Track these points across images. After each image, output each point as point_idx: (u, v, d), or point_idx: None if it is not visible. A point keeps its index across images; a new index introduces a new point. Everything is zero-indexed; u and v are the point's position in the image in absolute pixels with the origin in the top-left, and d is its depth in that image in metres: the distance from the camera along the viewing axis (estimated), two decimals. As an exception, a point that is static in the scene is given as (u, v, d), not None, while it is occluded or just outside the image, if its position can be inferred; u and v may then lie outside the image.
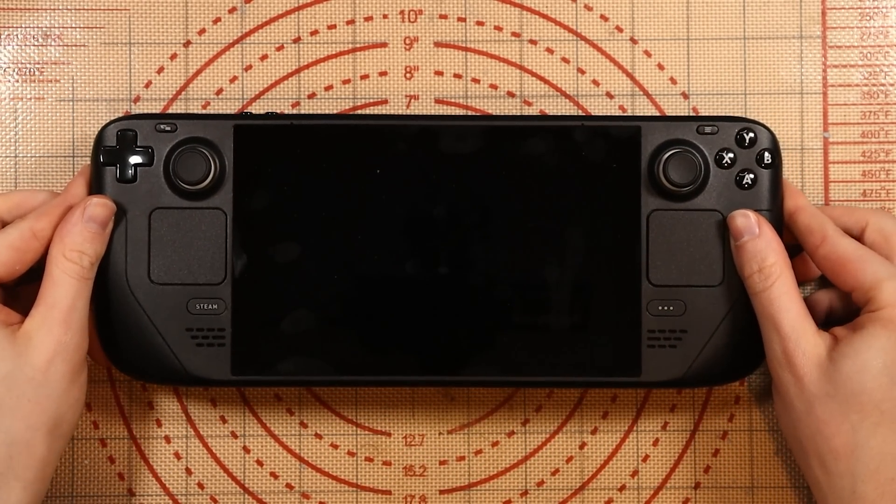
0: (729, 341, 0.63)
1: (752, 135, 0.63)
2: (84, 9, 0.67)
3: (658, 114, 0.67)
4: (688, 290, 0.63)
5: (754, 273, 0.60)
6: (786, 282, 0.60)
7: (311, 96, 0.67)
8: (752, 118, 0.64)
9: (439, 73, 0.68)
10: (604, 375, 0.63)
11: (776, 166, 0.63)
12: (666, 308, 0.63)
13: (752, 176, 0.63)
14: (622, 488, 0.68)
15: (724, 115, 0.66)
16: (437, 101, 0.67)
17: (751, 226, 0.61)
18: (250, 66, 0.67)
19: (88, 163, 0.63)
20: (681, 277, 0.63)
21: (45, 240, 0.60)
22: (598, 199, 0.63)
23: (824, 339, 0.60)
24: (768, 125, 0.63)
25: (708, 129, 0.62)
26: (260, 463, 0.67)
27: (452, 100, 0.67)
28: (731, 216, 0.62)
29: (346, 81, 0.67)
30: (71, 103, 0.67)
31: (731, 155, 0.62)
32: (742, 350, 0.63)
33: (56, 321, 0.59)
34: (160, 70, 0.67)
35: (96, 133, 0.63)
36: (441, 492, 0.68)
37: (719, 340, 0.63)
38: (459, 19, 0.68)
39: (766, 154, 0.63)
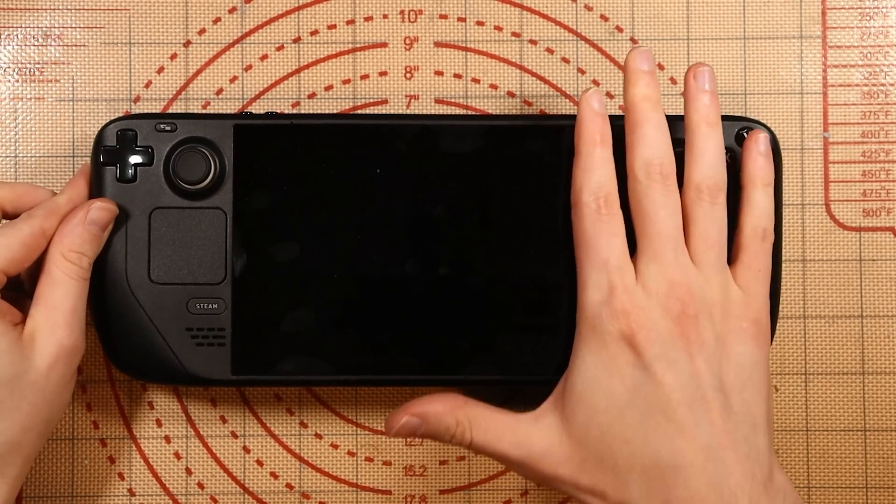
0: (729, 340, 0.63)
1: (752, 134, 0.63)
2: (84, 9, 0.67)
3: (658, 114, 0.67)
4: (688, 289, 0.63)
5: (452, 439, 0.59)
6: (476, 416, 0.59)
7: (311, 96, 0.67)
8: (752, 117, 0.64)
9: (439, 73, 0.68)
10: (604, 375, 0.63)
11: (776, 165, 0.63)
12: (666, 307, 0.63)
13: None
14: (622, 488, 0.67)
15: (723, 114, 0.66)
16: (437, 101, 0.67)
17: (412, 425, 0.59)
18: (250, 66, 0.67)
19: (89, 161, 0.63)
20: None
21: (51, 238, 0.60)
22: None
23: (539, 422, 0.58)
24: (768, 125, 0.63)
25: (708, 129, 0.63)
26: (260, 463, 0.67)
27: (452, 100, 0.67)
28: (393, 435, 0.59)
29: (346, 81, 0.67)
30: (71, 103, 0.67)
31: (729, 154, 0.62)
32: (742, 349, 0.63)
33: (59, 324, 0.59)
34: (160, 70, 0.67)
35: (96, 133, 0.63)
36: (441, 492, 0.68)
37: (719, 339, 0.63)
38: (459, 19, 0.68)
39: (767, 153, 0.63)
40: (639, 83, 0.59)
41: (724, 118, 0.63)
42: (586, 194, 0.58)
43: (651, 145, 0.58)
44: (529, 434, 0.58)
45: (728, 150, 0.62)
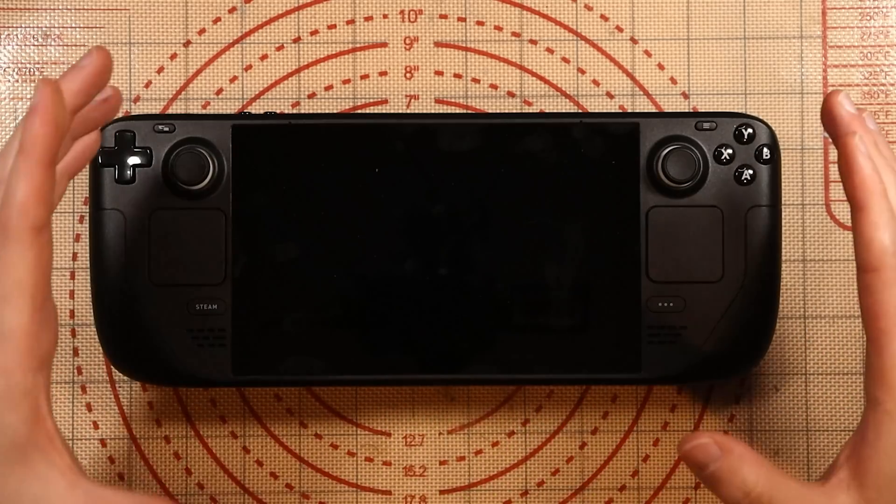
0: (729, 337, 0.63)
1: (750, 130, 0.63)
2: (84, 9, 0.67)
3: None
4: (687, 287, 0.63)
5: (741, 500, 0.53)
6: (776, 485, 0.53)
7: (311, 96, 0.67)
8: (750, 114, 0.64)
9: (439, 73, 0.68)
10: (604, 372, 0.63)
11: (775, 162, 0.63)
12: (665, 304, 0.63)
13: (750, 171, 0.63)
14: (622, 488, 0.67)
15: (721, 111, 0.66)
16: (437, 100, 0.67)
17: (711, 452, 0.53)
18: (250, 66, 0.67)
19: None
20: (680, 273, 0.63)
21: None
22: (598, 195, 0.63)
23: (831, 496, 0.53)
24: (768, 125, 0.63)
25: (706, 125, 0.62)
26: (260, 463, 0.67)
27: (452, 100, 0.67)
28: (685, 451, 0.54)
29: (346, 81, 0.67)
30: (71, 103, 0.67)
31: (729, 151, 0.62)
32: (742, 346, 0.63)
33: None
34: (160, 70, 0.67)
35: (95, 133, 0.63)
36: (441, 492, 0.68)
37: (719, 336, 0.63)
38: (459, 19, 0.68)
39: (765, 149, 0.63)
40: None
41: (723, 114, 0.63)
42: (890, 256, 0.52)
43: None
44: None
45: (726, 146, 0.62)
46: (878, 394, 0.52)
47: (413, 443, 0.68)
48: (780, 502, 0.52)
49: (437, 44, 0.68)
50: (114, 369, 0.67)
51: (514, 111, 0.67)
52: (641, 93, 0.68)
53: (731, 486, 0.53)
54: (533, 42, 0.68)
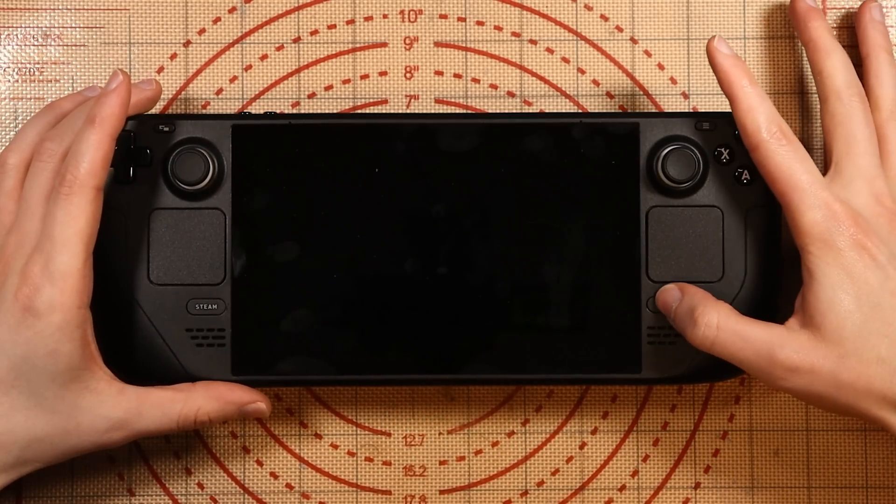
0: (728, 337, 0.63)
1: (750, 130, 0.63)
2: (84, 9, 0.67)
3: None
4: (688, 287, 0.63)
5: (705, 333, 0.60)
6: (726, 316, 0.59)
7: (311, 96, 0.67)
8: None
9: (439, 73, 0.68)
10: (604, 372, 0.63)
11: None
12: (666, 304, 0.63)
13: (750, 172, 0.63)
14: (622, 488, 0.67)
15: (721, 111, 0.66)
16: (437, 100, 0.67)
17: (674, 294, 0.62)
18: (250, 66, 0.67)
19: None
20: (680, 273, 0.63)
21: None
22: (598, 195, 0.63)
23: (790, 329, 0.59)
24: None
25: (706, 125, 0.63)
26: (260, 463, 0.67)
27: (452, 100, 0.67)
28: (657, 299, 0.63)
29: (346, 81, 0.67)
30: (71, 103, 0.67)
31: (729, 151, 0.63)
32: (741, 346, 0.63)
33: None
34: (160, 70, 0.67)
35: (96, 133, 0.63)
36: (441, 492, 0.68)
37: (719, 336, 0.63)
38: (459, 19, 0.68)
39: (765, 150, 0.63)
40: (816, 17, 0.64)
41: (722, 114, 0.63)
42: (764, 132, 0.60)
43: (847, 70, 0.63)
44: (781, 335, 0.59)
45: (726, 146, 0.62)
46: (801, 242, 0.60)
47: (413, 443, 0.68)
48: (733, 318, 0.59)
49: (437, 44, 0.68)
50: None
51: (514, 111, 0.67)
52: (641, 93, 0.68)
53: (682, 319, 0.60)
54: (533, 42, 0.68)
